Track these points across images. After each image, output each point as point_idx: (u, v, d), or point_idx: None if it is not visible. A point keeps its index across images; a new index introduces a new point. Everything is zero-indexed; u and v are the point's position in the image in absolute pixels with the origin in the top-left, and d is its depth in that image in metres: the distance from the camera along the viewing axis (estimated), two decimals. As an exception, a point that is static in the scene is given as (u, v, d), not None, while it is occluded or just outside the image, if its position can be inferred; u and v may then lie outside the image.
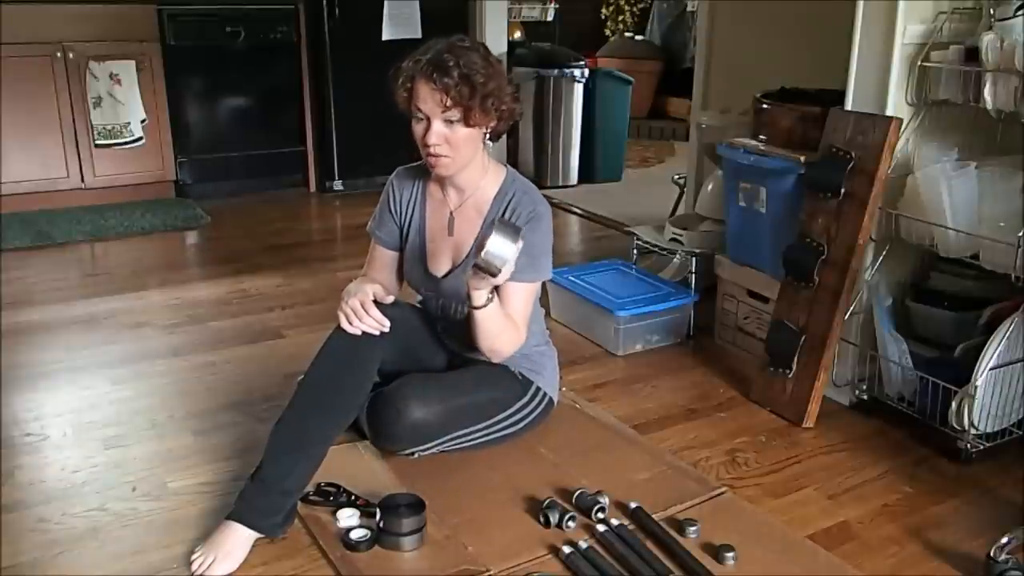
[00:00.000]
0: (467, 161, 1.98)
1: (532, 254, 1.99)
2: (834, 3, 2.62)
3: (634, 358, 2.83)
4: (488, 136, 1.99)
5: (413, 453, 2.08)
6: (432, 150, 1.91)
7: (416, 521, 1.78)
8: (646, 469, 2.12)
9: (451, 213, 2.09)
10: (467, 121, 1.90)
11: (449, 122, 1.89)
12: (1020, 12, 2.06)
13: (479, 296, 1.87)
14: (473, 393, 2.08)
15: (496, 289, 1.95)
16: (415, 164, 2.14)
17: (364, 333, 1.89)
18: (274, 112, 4.84)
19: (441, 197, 2.10)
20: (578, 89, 5.16)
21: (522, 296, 2.02)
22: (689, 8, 7.12)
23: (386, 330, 1.91)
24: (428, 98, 1.87)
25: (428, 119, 1.89)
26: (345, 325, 1.91)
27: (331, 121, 4.78)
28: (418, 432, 2.02)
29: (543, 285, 2.98)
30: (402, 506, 1.80)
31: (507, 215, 2.02)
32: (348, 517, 1.86)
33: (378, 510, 1.80)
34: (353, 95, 4.70)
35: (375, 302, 1.93)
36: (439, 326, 2.18)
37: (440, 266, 2.11)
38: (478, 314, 1.90)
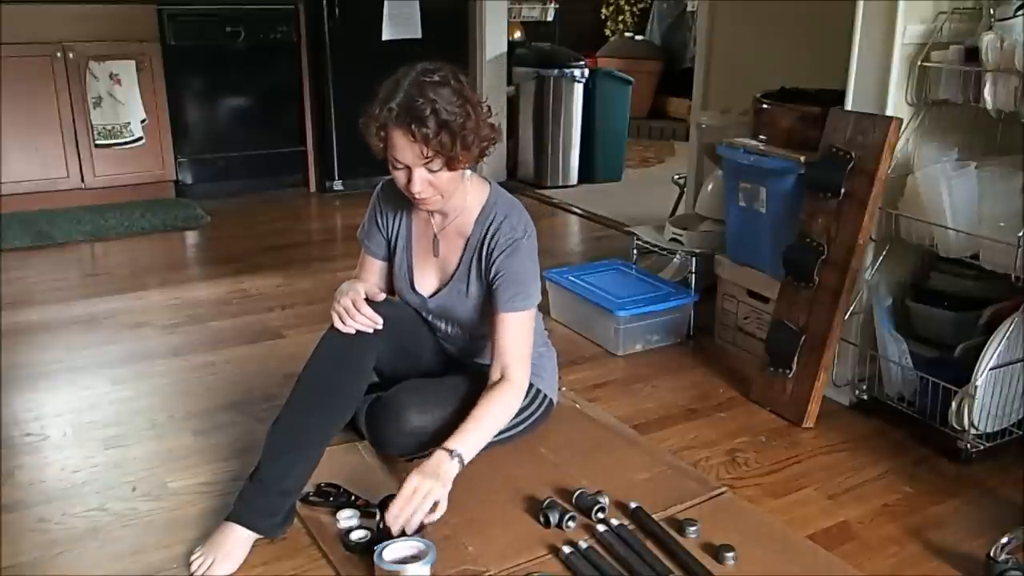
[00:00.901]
0: (452, 194, 1.92)
1: (518, 280, 1.95)
2: (834, 3, 2.62)
3: (634, 358, 2.83)
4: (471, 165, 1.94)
5: (413, 459, 2.08)
6: (417, 196, 1.86)
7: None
8: (646, 469, 2.12)
9: (435, 235, 2.06)
10: (450, 167, 1.82)
11: (431, 170, 1.81)
12: (1020, 12, 2.06)
13: (449, 484, 1.77)
14: (472, 398, 2.07)
15: (492, 321, 1.95)
16: None
17: (358, 331, 1.89)
18: (274, 112, 4.84)
19: (426, 218, 2.06)
20: (578, 89, 5.16)
21: (516, 327, 1.96)
22: (689, 8, 7.12)
23: (379, 327, 1.90)
24: (407, 150, 1.78)
25: (409, 168, 1.81)
26: (338, 324, 1.90)
27: (331, 121, 4.78)
28: (417, 439, 2.00)
29: (543, 286, 2.99)
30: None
31: (488, 239, 1.97)
32: (348, 518, 1.85)
33: (378, 510, 1.79)
34: (353, 95, 4.68)
35: (368, 300, 1.93)
36: (438, 333, 2.18)
37: (427, 286, 2.09)
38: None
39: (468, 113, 1.80)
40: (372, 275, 2.14)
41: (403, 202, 2.07)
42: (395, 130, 1.77)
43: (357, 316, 1.88)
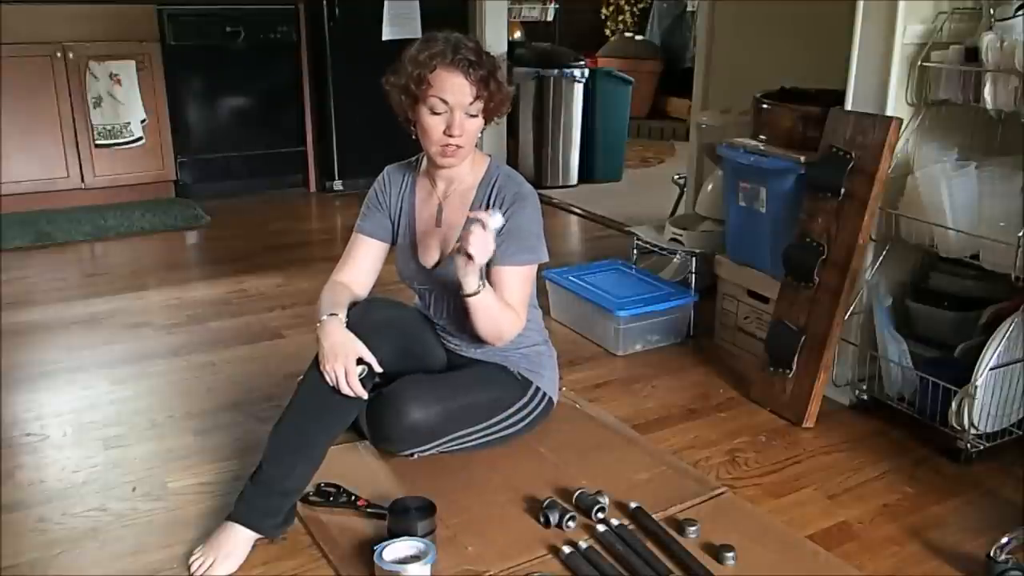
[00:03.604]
0: (471, 151, 2.02)
1: (521, 236, 2.01)
2: (834, 3, 2.62)
3: (634, 358, 2.83)
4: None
5: (413, 454, 2.08)
6: (455, 142, 1.93)
7: (428, 524, 1.76)
8: (646, 469, 2.12)
9: (439, 204, 2.10)
10: (486, 113, 1.96)
11: (470, 114, 1.93)
12: (1020, 12, 2.06)
13: (469, 283, 1.88)
14: (472, 394, 2.08)
15: (490, 275, 1.97)
16: (404, 161, 2.18)
17: (361, 335, 1.88)
18: (274, 112, 4.84)
19: (430, 188, 2.12)
20: (578, 89, 5.16)
21: (516, 279, 2.03)
22: (689, 8, 7.12)
23: (364, 399, 1.88)
24: (458, 90, 1.90)
25: (452, 111, 1.91)
26: (330, 383, 1.86)
27: (331, 121, 4.78)
28: (417, 433, 2.02)
29: (544, 286, 3.00)
30: (413, 509, 1.78)
31: (492, 198, 2.04)
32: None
33: (387, 513, 1.79)
34: (353, 95, 4.70)
35: (369, 369, 1.87)
36: (438, 327, 2.18)
37: (430, 257, 2.11)
38: (472, 301, 1.90)
39: (502, 69, 1.97)
40: (359, 261, 2.12)
41: (407, 179, 2.14)
42: (449, 71, 1.89)
43: (344, 388, 1.83)
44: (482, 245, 1.83)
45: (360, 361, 1.84)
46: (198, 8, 4.50)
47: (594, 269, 3.21)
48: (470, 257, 1.82)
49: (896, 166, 2.27)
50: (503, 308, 1.98)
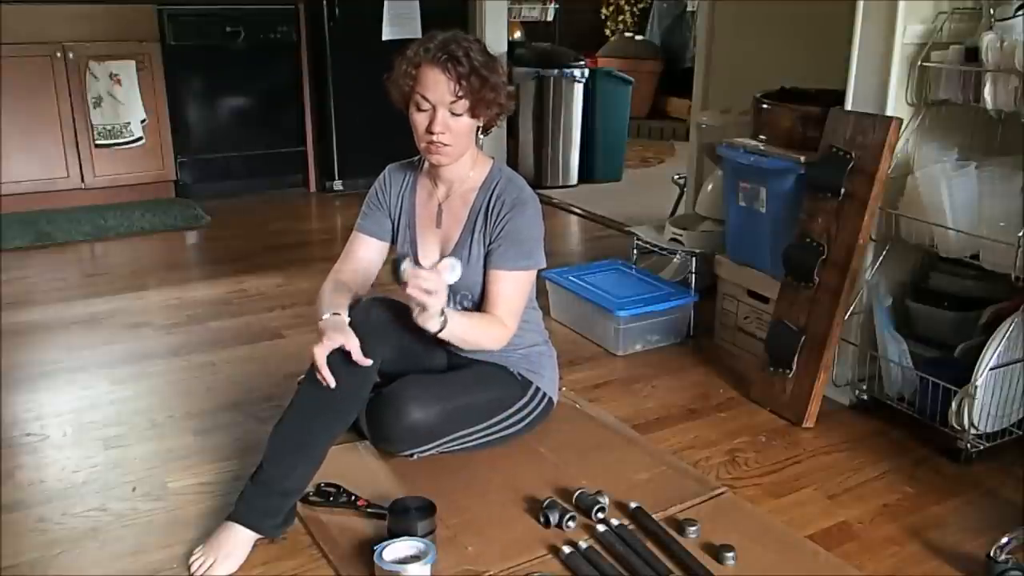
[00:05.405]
0: (463, 151, 2.00)
1: (519, 240, 2.01)
2: (834, 3, 2.62)
3: (634, 358, 2.83)
4: (481, 130, 2.02)
5: (413, 454, 2.08)
6: (436, 139, 1.92)
7: (428, 524, 1.76)
8: (646, 469, 2.12)
9: (439, 205, 2.10)
10: (472, 112, 1.93)
11: (454, 113, 1.91)
12: (1020, 12, 2.07)
13: (431, 324, 1.85)
14: (472, 394, 2.08)
15: (486, 277, 2.00)
16: (405, 161, 2.18)
17: (360, 336, 1.88)
18: (274, 112, 4.84)
19: (431, 189, 2.12)
20: (578, 89, 5.17)
21: (511, 285, 2.02)
22: (689, 8, 7.13)
23: (332, 384, 1.81)
24: (438, 87, 1.88)
25: (434, 108, 1.90)
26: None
27: (331, 121, 4.78)
28: (417, 433, 2.02)
29: (543, 286, 3.00)
30: (413, 509, 1.78)
31: (492, 202, 2.04)
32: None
33: (388, 513, 1.79)
34: (353, 95, 4.70)
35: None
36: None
37: (429, 258, 2.11)
38: (442, 336, 1.90)
39: (494, 69, 1.94)
40: (358, 259, 2.13)
41: (408, 178, 2.15)
42: (430, 67, 1.88)
43: (327, 376, 1.80)
44: (429, 296, 1.77)
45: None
46: (198, 8, 4.50)
47: (594, 269, 3.21)
48: (423, 307, 1.79)
49: (896, 166, 2.27)
50: (481, 327, 2.00)
